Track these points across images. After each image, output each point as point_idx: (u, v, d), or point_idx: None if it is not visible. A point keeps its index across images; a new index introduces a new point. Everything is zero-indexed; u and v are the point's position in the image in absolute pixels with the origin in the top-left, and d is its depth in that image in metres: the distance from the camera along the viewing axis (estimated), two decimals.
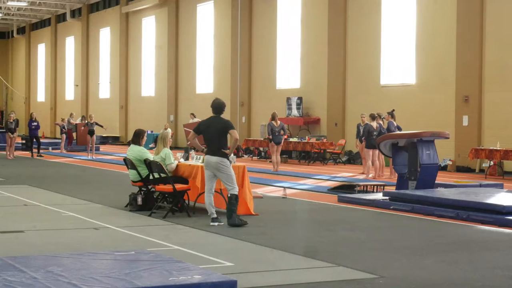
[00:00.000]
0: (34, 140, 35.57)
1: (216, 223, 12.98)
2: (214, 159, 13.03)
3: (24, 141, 40.31)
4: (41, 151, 36.09)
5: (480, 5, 27.11)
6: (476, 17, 27.19)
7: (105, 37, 56.95)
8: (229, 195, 13.04)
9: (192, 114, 41.19)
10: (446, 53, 28.39)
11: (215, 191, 13.54)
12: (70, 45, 62.99)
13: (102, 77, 57.62)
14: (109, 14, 55.90)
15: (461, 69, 27.66)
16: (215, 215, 13.10)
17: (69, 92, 63.20)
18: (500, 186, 18.91)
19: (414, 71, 30.17)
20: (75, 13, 60.69)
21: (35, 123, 35.36)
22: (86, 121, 36.46)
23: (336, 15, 33.64)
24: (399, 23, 31.11)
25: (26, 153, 36.14)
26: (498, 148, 24.45)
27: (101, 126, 36.02)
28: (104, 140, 49.63)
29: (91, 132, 34.84)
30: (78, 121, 41.92)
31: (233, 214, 12.89)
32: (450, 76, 28.11)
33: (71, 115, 42.33)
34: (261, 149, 35.21)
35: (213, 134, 13.15)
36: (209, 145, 13.21)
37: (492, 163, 25.47)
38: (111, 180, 23.30)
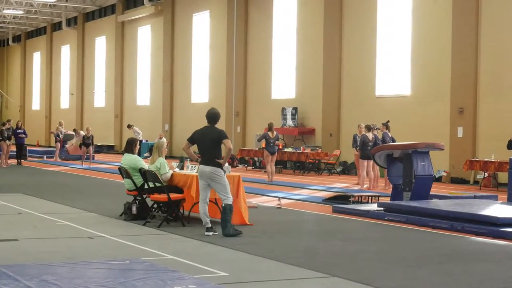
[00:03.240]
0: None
1: (210, 233, 12.96)
2: (208, 168, 13.01)
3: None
4: (28, 159, 36.11)
5: (475, 17, 27.17)
6: (471, 29, 27.25)
7: (101, 46, 56.96)
8: (223, 205, 13.01)
9: (129, 125, 42.35)
10: (441, 64, 28.44)
11: (210, 200, 13.52)
12: (65, 53, 62.99)
13: (97, 86, 57.60)
14: (104, 23, 55.92)
15: (456, 81, 27.70)
16: (209, 225, 13.08)
17: (64, 100, 63.15)
18: (495, 198, 18.91)
19: (409, 82, 30.21)
20: (71, 21, 60.72)
21: (20, 131, 35.29)
22: (83, 135, 36.23)
23: (331, 26, 33.69)
24: (395, 35, 31.15)
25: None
26: (493, 160, 24.47)
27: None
28: (99, 149, 49.64)
29: (87, 145, 35.05)
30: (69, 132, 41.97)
31: (227, 224, 12.86)
32: (445, 87, 28.15)
33: (60, 123, 41.70)
34: (256, 159, 35.20)
35: (207, 144, 13.12)
36: (203, 154, 13.19)
37: (486, 174, 25.49)
38: (106, 189, 23.27)
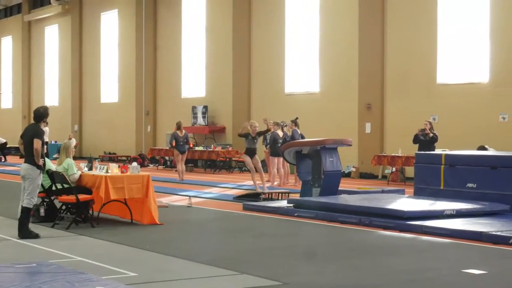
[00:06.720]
0: None
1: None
2: (24, 166, 13.01)
3: None
4: None
5: (381, 15, 27.64)
6: (377, 27, 27.71)
7: (7, 46, 55.92)
8: (21, 207, 12.92)
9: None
10: (348, 61, 28.82)
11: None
12: None
13: (4, 87, 56.51)
14: (11, 23, 54.90)
15: (364, 77, 28.12)
16: None
17: None
18: (402, 192, 19.24)
19: (317, 79, 30.54)
20: None
21: None
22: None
23: (240, 24, 33.81)
24: (303, 33, 31.45)
25: None
26: (400, 155, 24.92)
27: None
28: (7, 151, 48.65)
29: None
30: None
31: (23, 227, 12.75)
32: (353, 84, 28.54)
33: None
34: (166, 158, 35.06)
35: (26, 141, 13.10)
36: (24, 151, 13.20)
37: (394, 169, 25.95)
38: (12, 192, 22.80)
